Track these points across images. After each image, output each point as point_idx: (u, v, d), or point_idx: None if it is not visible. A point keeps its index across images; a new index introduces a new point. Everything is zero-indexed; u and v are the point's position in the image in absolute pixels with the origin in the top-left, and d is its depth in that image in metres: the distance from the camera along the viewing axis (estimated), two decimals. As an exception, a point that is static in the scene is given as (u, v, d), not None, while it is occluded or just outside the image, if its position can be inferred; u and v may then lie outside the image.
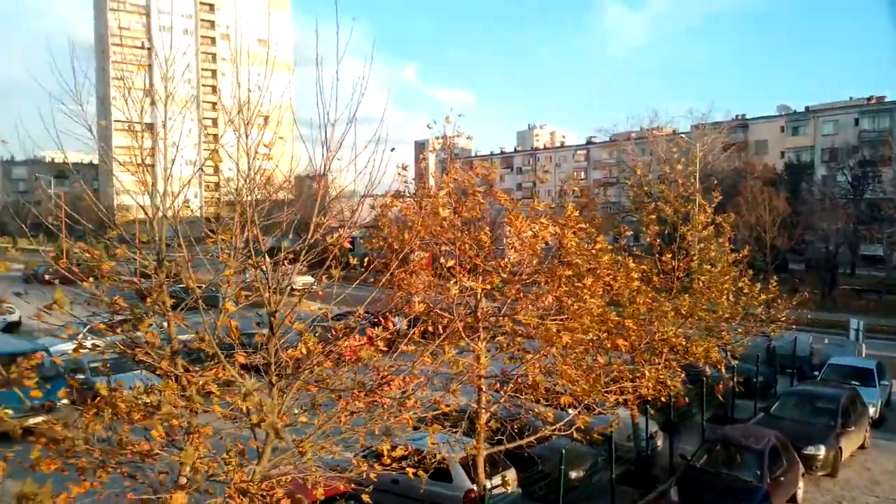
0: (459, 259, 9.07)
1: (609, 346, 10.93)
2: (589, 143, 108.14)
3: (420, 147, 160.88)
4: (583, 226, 10.24)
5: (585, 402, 10.25)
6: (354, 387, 6.22)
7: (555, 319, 9.56)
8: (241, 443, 6.17)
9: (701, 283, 14.16)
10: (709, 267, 14.26)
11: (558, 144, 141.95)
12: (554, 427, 10.28)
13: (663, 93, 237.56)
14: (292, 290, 6.24)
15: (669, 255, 14.34)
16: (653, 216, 14.66)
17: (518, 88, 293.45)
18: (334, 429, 6.54)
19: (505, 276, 9.43)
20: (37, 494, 4.44)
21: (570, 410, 10.24)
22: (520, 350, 10.01)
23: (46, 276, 44.25)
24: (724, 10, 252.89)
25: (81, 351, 6.28)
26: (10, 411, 5.66)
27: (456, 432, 9.64)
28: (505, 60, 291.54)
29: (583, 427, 9.79)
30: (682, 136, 57.70)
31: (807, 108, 76.96)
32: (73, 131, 6.33)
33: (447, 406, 7.30)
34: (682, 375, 13.07)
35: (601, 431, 10.83)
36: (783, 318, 15.73)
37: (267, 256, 6.03)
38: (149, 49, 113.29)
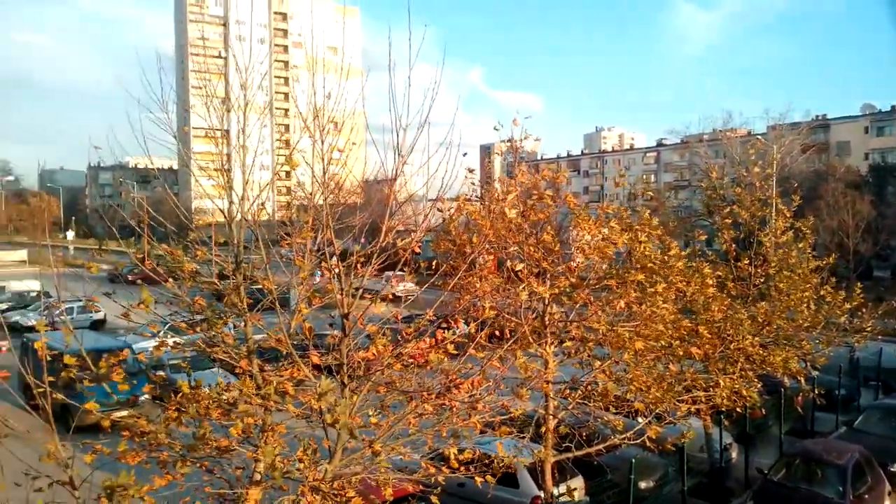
0: (527, 263, 9.00)
1: (682, 353, 10.63)
2: (659, 144, 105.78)
3: (485, 151, 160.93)
4: (657, 231, 10.00)
5: (657, 410, 10.00)
6: (423, 389, 6.26)
7: (625, 325, 9.37)
8: (315, 441, 6.30)
9: (779, 291, 13.60)
10: (788, 273, 13.68)
11: (627, 147, 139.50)
12: (623, 435, 10.07)
13: (737, 93, 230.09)
14: (366, 292, 6.33)
15: (746, 261, 13.85)
16: (728, 220, 14.18)
17: (586, 90, 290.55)
18: (402, 430, 6.60)
19: (574, 280, 9.29)
20: (126, 487, 4.67)
21: (640, 419, 10.02)
22: (589, 356, 9.86)
23: (130, 277, 46.40)
24: (799, 8, 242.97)
25: (162, 349, 6.57)
26: (97, 405, 5.95)
27: (523, 438, 9.56)
28: (572, 62, 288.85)
29: (654, 437, 9.55)
30: (758, 137, 55.61)
31: (893, 107, 73.08)
32: (157, 137, 6.65)
33: (515, 410, 7.25)
34: (759, 386, 12.57)
35: (673, 442, 10.53)
36: (868, 328, 14.95)
37: (340, 259, 6.14)
38: (225, 58, 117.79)
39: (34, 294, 42.11)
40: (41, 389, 4.98)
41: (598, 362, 9.94)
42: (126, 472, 4.70)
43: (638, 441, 9.80)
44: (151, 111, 6.41)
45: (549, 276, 9.66)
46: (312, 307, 6.13)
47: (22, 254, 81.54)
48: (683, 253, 11.40)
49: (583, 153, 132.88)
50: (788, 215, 14.51)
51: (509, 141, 10.02)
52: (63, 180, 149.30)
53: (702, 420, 13.89)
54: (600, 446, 10.44)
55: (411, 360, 6.22)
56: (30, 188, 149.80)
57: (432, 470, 6.60)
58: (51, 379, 5.12)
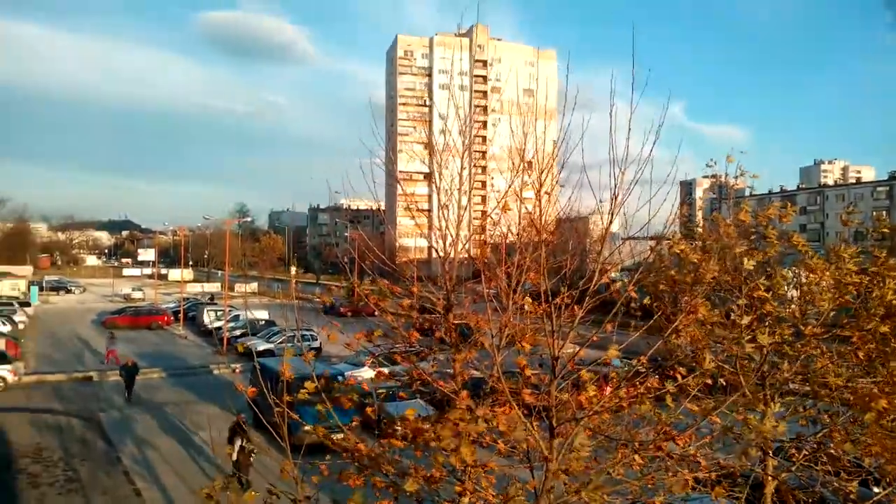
0: (749, 308, 8.34)
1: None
2: (892, 178, 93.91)
3: (686, 187, 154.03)
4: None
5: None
6: (635, 439, 6.03)
7: (864, 381, 8.31)
8: (519, 481, 6.31)
9: None
10: None
11: (852, 181, 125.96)
12: (857, 505, 8.88)
13: None
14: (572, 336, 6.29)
15: None
16: None
17: (800, 121, 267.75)
18: (607, 478, 6.37)
19: (807, 328, 8.40)
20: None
21: (878, 489, 8.77)
22: (820, 413, 8.86)
23: (342, 309, 50.39)
24: None
25: (373, 378, 7.01)
26: (323, 428, 6.47)
27: (738, 499, 8.79)
28: (785, 91, 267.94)
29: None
30: None
31: None
32: (370, 180, 7.27)
33: (733, 468, 6.71)
34: None
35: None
36: None
37: (549, 300, 6.16)
38: (430, 106, 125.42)
39: (262, 322, 47.27)
40: (280, 409, 5.53)
41: (828, 419, 8.91)
42: (355, 496, 5.01)
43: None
44: (371, 156, 7.01)
45: (768, 322, 8.88)
46: (527, 347, 6.18)
47: (253, 286, 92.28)
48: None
49: (799, 188, 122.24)
50: None
51: (714, 177, 9.52)
52: (288, 221, 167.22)
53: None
54: (828, 515, 9.30)
55: (621, 407, 6.03)
56: (261, 228, 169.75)
57: (640, 523, 6.29)
58: (289, 399, 5.66)
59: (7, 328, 45.45)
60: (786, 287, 8.68)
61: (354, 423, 6.95)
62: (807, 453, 9.22)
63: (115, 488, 18.55)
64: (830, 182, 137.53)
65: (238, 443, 17.94)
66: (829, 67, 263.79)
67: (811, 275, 8.72)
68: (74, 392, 31.14)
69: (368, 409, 6.72)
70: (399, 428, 6.29)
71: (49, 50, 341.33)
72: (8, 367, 31.35)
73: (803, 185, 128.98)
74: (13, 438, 22.91)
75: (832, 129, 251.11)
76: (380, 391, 21.02)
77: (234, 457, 17.96)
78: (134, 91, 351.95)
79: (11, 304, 58.83)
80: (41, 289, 79.46)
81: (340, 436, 6.71)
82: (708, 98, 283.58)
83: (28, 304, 63.66)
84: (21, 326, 50.62)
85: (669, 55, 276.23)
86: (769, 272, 8.69)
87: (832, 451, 9.05)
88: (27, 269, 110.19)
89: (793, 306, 9.26)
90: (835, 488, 9.38)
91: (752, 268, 7.31)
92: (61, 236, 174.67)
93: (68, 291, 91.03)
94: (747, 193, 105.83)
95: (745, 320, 6.92)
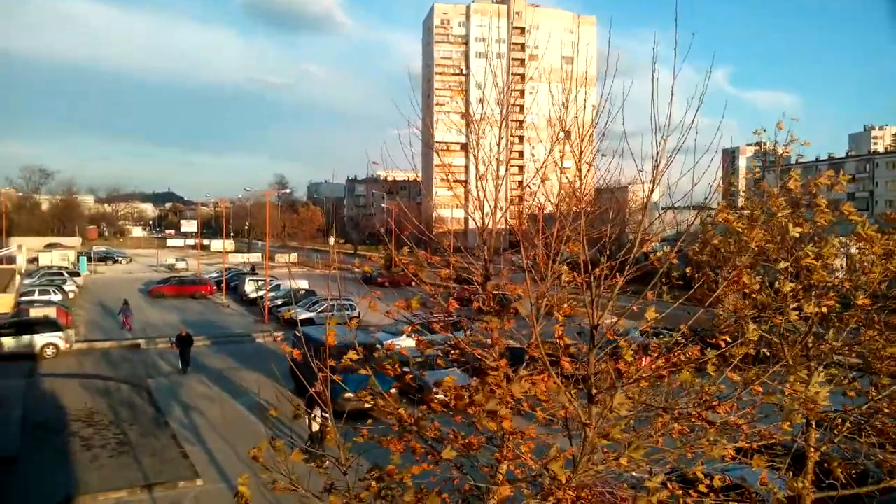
0: (794, 276, 8.17)
1: None
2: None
3: (729, 155, 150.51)
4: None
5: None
6: (675, 407, 6.00)
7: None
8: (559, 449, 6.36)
9: None
10: None
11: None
12: (904, 479, 8.71)
13: None
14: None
15: None
16: None
17: (850, 86, 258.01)
18: (648, 448, 6.38)
19: (852, 298, 8.20)
20: (390, 473, 5.14)
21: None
22: (875, 385, 8.70)
23: (380, 279, 50.88)
24: None
25: (411, 346, 7.08)
26: (365, 394, 6.59)
27: (779, 469, 8.71)
28: (834, 55, 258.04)
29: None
30: None
31: None
32: (417, 151, 7.25)
33: (775, 438, 6.65)
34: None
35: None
36: None
37: (588, 270, 6.12)
38: (466, 75, 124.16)
39: (303, 292, 48.04)
40: (323, 374, 5.67)
41: (875, 391, 8.73)
42: (392, 457, 5.11)
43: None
44: (409, 126, 7.00)
45: (814, 292, 8.68)
46: (563, 316, 6.18)
47: (293, 256, 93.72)
48: None
49: (848, 155, 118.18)
50: None
51: (758, 144, 9.27)
52: (326, 192, 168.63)
53: None
54: (872, 488, 9.15)
55: (661, 376, 5.99)
56: (300, 199, 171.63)
57: (679, 492, 6.28)
58: (332, 364, 5.79)
59: (58, 297, 47.07)
60: (835, 256, 8.45)
61: (394, 388, 7.06)
62: (850, 425, 9.06)
63: (164, 451, 19.25)
64: (881, 149, 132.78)
65: (317, 413, 16.96)
66: (881, 29, 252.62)
67: (862, 244, 8.47)
68: (123, 359, 32.24)
69: (408, 376, 6.81)
70: (438, 393, 6.38)
71: (94, 25, 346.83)
72: (60, 334, 32.57)
73: (852, 153, 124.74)
74: (66, 403, 23.88)
75: (884, 94, 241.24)
76: (418, 359, 21.25)
77: (313, 428, 17.33)
78: (176, 65, 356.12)
79: (62, 275, 60.82)
80: (90, 259, 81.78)
81: (381, 402, 6.81)
82: (754, 64, 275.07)
83: (77, 274, 65.66)
84: (71, 296, 52.36)
85: (714, 21, 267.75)
86: (817, 240, 8.47)
87: (878, 422, 8.88)
88: (76, 241, 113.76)
89: (841, 275, 9.03)
90: (879, 461, 9.22)
91: (797, 235, 7.12)
92: (108, 208, 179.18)
93: (115, 262, 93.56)
94: (793, 161, 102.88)
95: (788, 288, 6.75)
